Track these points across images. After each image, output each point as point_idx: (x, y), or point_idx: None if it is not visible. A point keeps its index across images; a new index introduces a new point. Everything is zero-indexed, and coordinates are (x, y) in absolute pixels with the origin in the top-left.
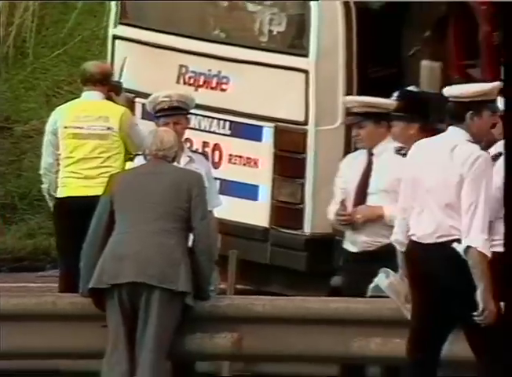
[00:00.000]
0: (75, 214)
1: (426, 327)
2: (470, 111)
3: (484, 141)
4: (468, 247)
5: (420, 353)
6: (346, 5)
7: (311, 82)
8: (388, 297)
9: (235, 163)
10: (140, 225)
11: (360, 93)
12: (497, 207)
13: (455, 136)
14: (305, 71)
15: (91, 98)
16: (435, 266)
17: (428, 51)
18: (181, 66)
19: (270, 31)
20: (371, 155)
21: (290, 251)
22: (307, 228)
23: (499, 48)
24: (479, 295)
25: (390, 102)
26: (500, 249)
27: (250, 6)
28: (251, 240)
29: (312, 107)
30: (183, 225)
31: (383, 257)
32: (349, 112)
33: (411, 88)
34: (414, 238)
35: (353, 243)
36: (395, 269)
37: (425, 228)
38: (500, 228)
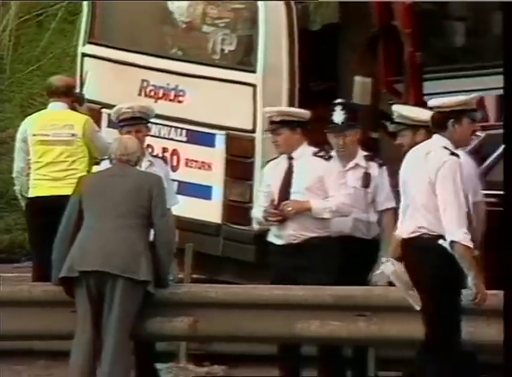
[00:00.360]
0: (45, 211)
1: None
2: (451, 120)
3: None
4: (452, 242)
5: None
6: (290, 27)
7: (258, 94)
8: (392, 284)
9: (191, 167)
10: (105, 221)
11: (301, 105)
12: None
13: (433, 143)
14: (253, 85)
15: (57, 108)
16: (409, 259)
17: (360, 68)
18: (143, 80)
19: (222, 50)
20: (290, 159)
21: (240, 245)
22: (255, 224)
23: (421, 66)
24: (471, 282)
25: (304, 111)
26: None
27: (205, 27)
28: (205, 235)
29: (260, 117)
30: (144, 222)
31: (307, 249)
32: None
33: (339, 100)
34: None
35: (279, 236)
36: (319, 261)
37: (407, 227)
38: None
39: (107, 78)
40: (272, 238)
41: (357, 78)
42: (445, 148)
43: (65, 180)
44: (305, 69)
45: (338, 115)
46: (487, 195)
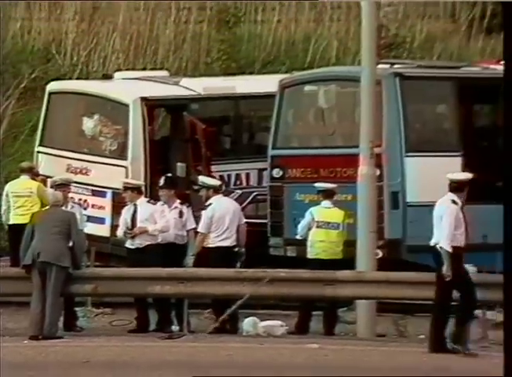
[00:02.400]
0: (17, 231)
1: None
2: (466, 187)
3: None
4: (441, 247)
5: None
6: (144, 138)
7: (129, 172)
8: None
9: (94, 208)
10: (46, 236)
11: (151, 179)
12: None
13: (448, 197)
14: (126, 167)
15: (24, 178)
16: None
17: (180, 158)
18: (68, 164)
19: (110, 149)
20: (135, 205)
21: (119, 247)
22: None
23: (210, 158)
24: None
25: (137, 182)
26: None
27: (100, 138)
28: (102, 242)
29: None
30: (66, 236)
31: (146, 250)
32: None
33: (169, 175)
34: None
35: (132, 244)
36: (152, 256)
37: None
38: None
39: (50, 163)
40: (128, 245)
41: (178, 164)
42: (452, 200)
43: (27, 215)
44: (153, 159)
45: (165, 182)
46: (246, 222)
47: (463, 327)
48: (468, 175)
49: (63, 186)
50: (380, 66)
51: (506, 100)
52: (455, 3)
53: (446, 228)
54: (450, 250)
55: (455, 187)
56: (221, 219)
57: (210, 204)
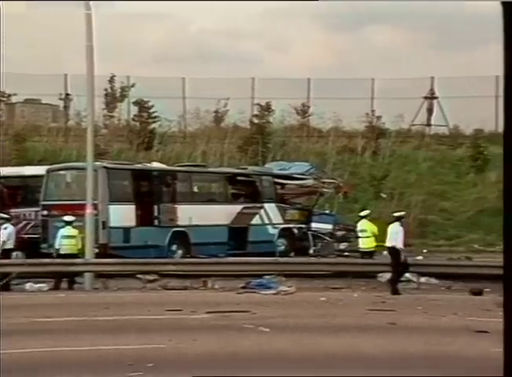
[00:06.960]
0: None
1: None
2: (402, 219)
3: None
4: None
5: None
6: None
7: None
8: None
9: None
10: None
11: None
12: None
13: (397, 223)
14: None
15: None
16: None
17: None
18: None
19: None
20: None
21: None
22: None
23: (11, 206)
24: None
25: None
26: None
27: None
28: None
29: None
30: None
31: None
32: None
33: None
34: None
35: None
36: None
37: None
38: None
39: None
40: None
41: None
42: (400, 224)
43: None
44: None
45: None
46: (28, 237)
47: (396, 280)
48: (403, 213)
49: None
50: (97, 163)
51: (505, 101)
52: None
53: (400, 238)
54: (402, 247)
55: (398, 218)
56: (10, 234)
57: (6, 227)
